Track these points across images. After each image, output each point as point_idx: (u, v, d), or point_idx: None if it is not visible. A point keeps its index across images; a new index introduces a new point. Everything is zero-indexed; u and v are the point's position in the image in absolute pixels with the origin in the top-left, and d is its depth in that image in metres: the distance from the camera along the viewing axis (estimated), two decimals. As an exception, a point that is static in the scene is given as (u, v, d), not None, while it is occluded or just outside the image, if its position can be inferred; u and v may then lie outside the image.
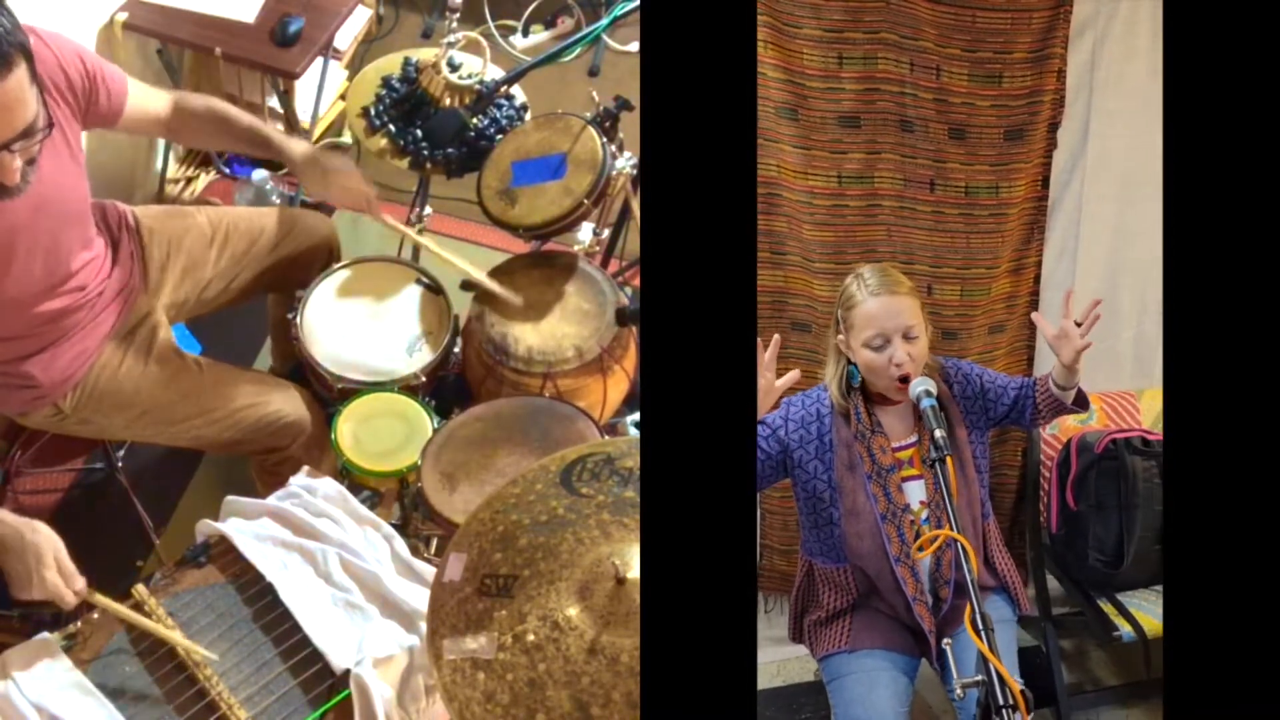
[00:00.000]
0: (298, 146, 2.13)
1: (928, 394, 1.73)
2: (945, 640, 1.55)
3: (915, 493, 1.87)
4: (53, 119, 1.66)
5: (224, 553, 1.73)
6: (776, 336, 1.76)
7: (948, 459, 1.61)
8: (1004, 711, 1.33)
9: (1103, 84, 2.34)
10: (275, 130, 2.15)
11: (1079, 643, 2.56)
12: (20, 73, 1.54)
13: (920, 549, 1.70)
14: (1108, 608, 2.24)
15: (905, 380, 1.80)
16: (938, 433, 1.65)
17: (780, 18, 2.20)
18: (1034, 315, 1.81)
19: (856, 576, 1.91)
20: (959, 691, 1.41)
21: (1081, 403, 1.89)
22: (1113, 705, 2.42)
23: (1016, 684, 1.35)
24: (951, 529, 1.53)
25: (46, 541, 1.61)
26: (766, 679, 2.49)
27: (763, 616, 2.56)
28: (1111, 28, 2.31)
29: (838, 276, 2.25)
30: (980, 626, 1.41)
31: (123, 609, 1.60)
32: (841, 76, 2.24)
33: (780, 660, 2.50)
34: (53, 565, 1.59)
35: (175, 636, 1.58)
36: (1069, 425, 2.39)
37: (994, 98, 2.27)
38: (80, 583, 1.62)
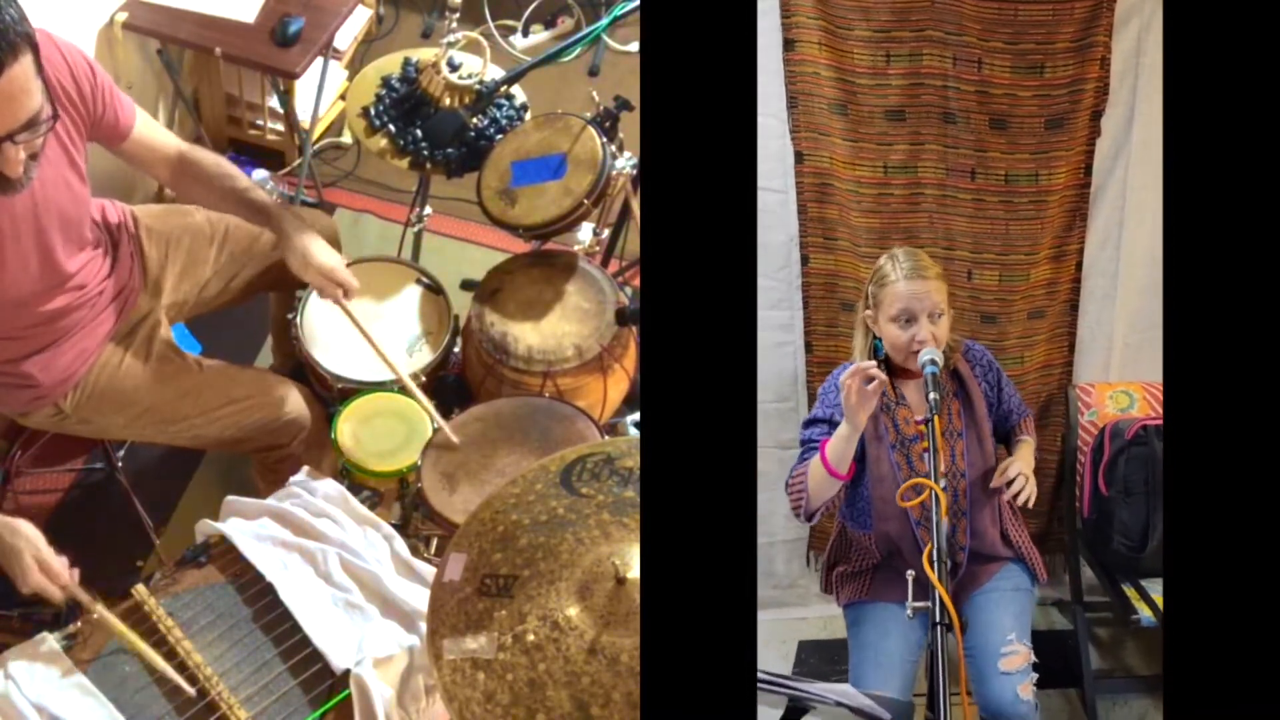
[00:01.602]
0: (287, 219, 2.04)
1: (932, 362, 1.86)
2: (909, 571, 1.71)
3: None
4: (57, 113, 1.66)
5: (224, 553, 1.73)
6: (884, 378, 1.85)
7: (936, 419, 1.77)
8: (938, 628, 1.54)
9: (1149, 70, 2.32)
10: (277, 204, 2.06)
11: (1115, 632, 2.60)
12: (26, 63, 1.53)
13: (904, 497, 1.83)
14: (1131, 592, 2.27)
15: None
16: (932, 395, 1.79)
17: (834, 21, 2.28)
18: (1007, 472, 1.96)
19: (880, 543, 2.00)
20: (910, 612, 1.67)
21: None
22: (1140, 693, 2.46)
23: (953, 607, 1.58)
24: (935, 483, 1.71)
25: (26, 544, 1.62)
26: (814, 631, 2.63)
27: (811, 574, 2.67)
28: (1159, 13, 2.28)
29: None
30: (935, 559, 1.61)
31: (107, 613, 1.60)
32: (889, 73, 2.31)
33: (827, 616, 2.62)
34: (33, 567, 1.61)
35: (155, 656, 1.58)
36: (1107, 413, 2.44)
37: (1036, 87, 2.29)
38: (64, 577, 1.63)
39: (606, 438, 2.10)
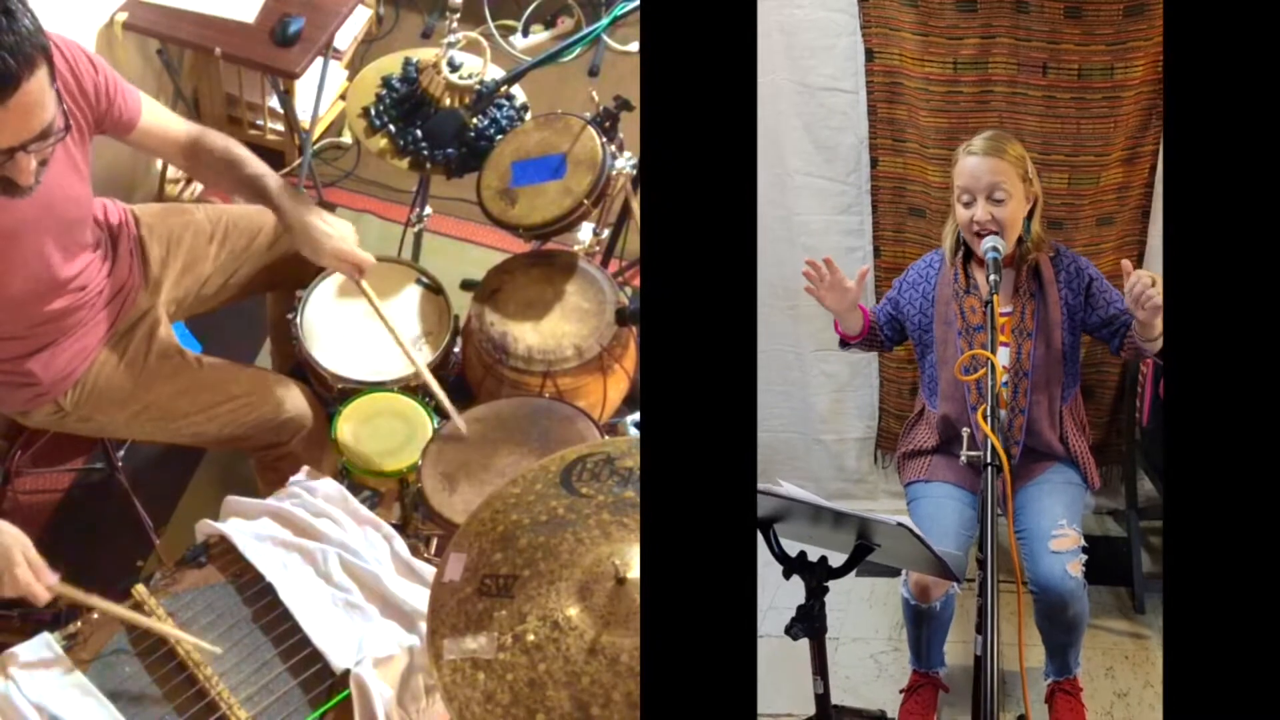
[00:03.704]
0: (293, 206, 2.04)
1: (995, 249, 1.90)
2: (964, 428, 1.91)
3: (1001, 357, 1.96)
4: (68, 121, 1.67)
5: (224, 553, 1.73)
6: (865, 268, 2.09)
7: (995, 299, 1.85)
8: (989, 469, 1.70)
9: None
10: (279, 182, 2.06)
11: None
12: (41, 74, 1.54)
13: (964, 370, 1.92)
14: None
15: (982, 237, 1.94)
16: (992, 276, 1.86)
17: None
18: (1123, 263, 1.88)
19: (941, 425, 2.09)
20: (963, 458, 1.88)
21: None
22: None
23: (1004, 453, 1.73)
24: (991, 355, 1.83)
25: (14, 540, 1.62)
26: (884, 521, 2.85)
27: (879, 471, 2.83)
28: None
29: (950, 163, 2.22)
30: (989, 415, 1.75)
31: (93, 598, 1.60)
32: None
33: (892, 509, 2.77)
34: (22, 563, 1.61)
35: (165, 628, 1.58)
36: None
37: (1115, -34, 2.18)
38: (51, 578, 1.63)
39: (606, 438, 2.10)
